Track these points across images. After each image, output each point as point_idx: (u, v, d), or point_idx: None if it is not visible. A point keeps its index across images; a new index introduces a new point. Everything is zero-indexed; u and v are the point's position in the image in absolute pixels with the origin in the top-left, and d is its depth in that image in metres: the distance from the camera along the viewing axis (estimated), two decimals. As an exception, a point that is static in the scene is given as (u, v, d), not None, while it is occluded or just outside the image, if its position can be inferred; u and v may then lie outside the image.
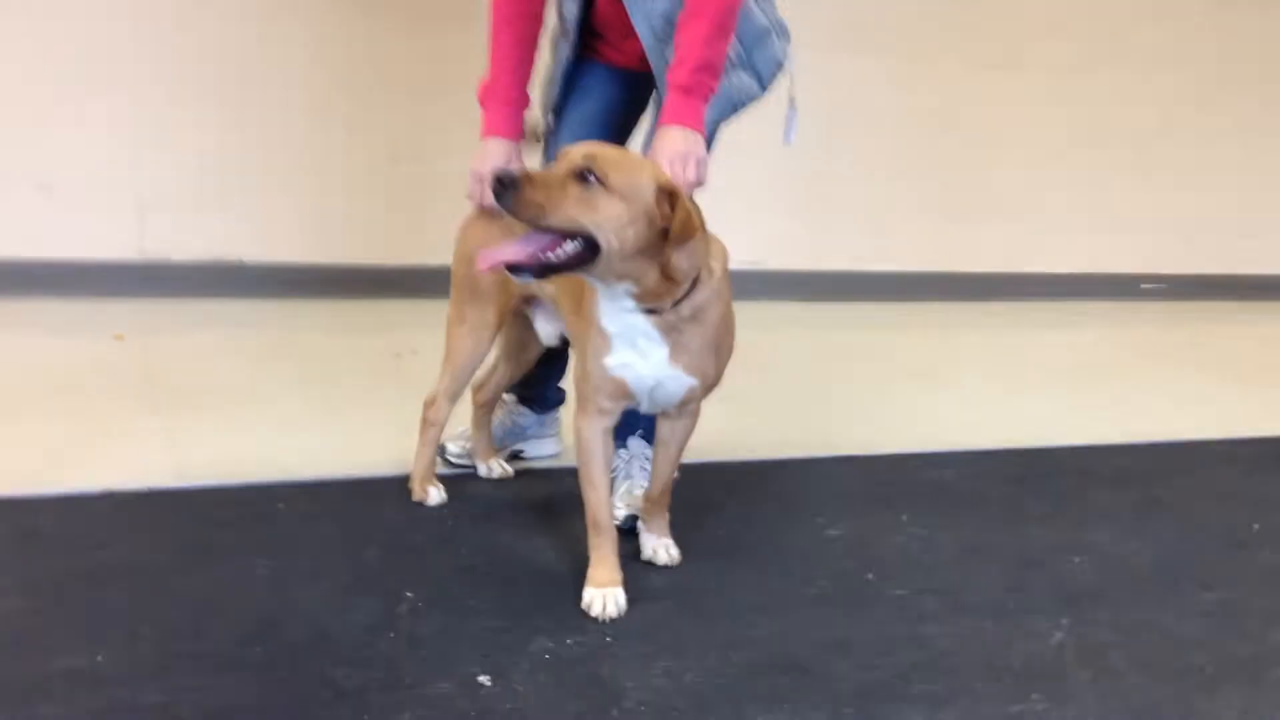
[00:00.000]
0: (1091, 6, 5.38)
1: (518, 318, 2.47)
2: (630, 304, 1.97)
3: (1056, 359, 4.39)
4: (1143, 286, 5.79)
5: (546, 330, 2.44)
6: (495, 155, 2.39)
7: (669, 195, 1.89)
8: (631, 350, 2.04)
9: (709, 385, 2.14)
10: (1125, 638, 2.08)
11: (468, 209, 2.47)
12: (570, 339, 2.32)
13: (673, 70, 2.25)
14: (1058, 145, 5.50)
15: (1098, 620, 2.14)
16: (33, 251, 4.05)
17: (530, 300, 2.41)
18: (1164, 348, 4.75)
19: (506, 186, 1.82)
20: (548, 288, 2.30)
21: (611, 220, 1.85)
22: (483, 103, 2.43)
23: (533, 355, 2.60)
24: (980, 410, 3.56)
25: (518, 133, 2.43)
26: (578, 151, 1.89)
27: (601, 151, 1.90)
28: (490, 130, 2.41)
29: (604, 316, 2.03)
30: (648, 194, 1.87)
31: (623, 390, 2.08)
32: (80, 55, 3.98)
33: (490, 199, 2.20)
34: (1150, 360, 4.50)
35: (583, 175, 1.85)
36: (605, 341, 2.05)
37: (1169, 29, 5.54)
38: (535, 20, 2.44)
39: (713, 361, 2.10)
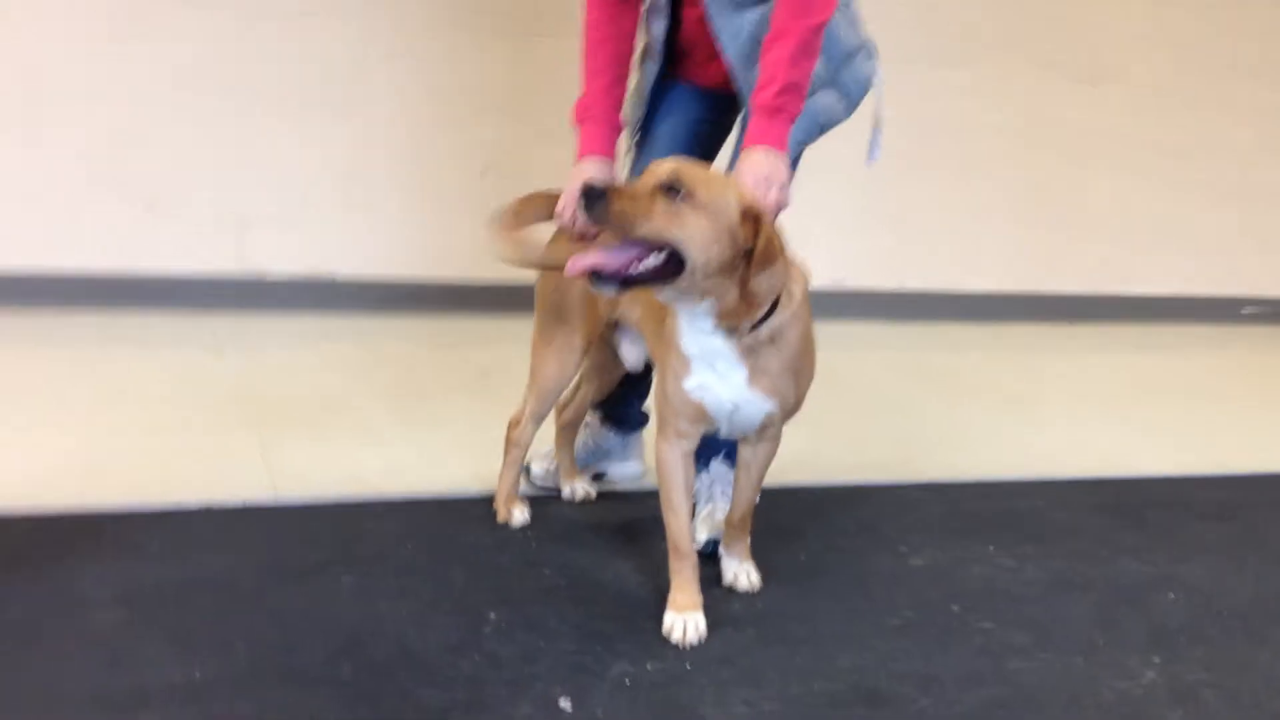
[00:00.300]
0: (1185, 19, 5.25)
1: (602, 340, 2.49)
2: (709, 324, 1.98)
3: (1151, 385, 4.28)
4: (1243, 311, 5.62)
5: (631, 355, 2.46)
6: (591, 175, 2.39)
7: (753, 217, 1.90)
8: (710, 373, 2.04)
9: (789, 410, 2.14)
10: (1219, 677, 2.03)
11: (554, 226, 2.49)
12: (653, 362, 2.33)
13: (757, 92, 2.25)
14: (1151, 162, 5.37)
15: (1191, 659, 2.09)
16: (136, 266, 4.18)
17: (615, 325, 2.43)
18: (1266, 374, 4.61)
19: (595, 198, 1.84)
20: (632, 313, 2.32)
21: (697, 235, 1.86)
22: (578, 123, 2.44)
23: (616, 377, 2.61)
24: (1070, 437, 3.49)
25: (613, 153, 2.44)
26: (665, 166, 1.91)
27: (688, 167, 1.91)
28: (587, 150, 2.42)
29: (683, 338, 2.04)
30: (732, 213, 1.89)
31: (701, 413, 2.08)
32: (181, 76, 4.10)
33: (581, 220, 2.24)
34: (1251, 387, 4.37)
35: (670, 189, 1.87)
36: (684, 364, 2.06)
37: (1266, 42, 5.38)
38: (629, 40, 2.46)
39: (792, 385, 2.10)
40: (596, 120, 2.42)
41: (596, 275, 1.89)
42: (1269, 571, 2.51)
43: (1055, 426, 3.60)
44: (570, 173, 2.42)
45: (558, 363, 2.42)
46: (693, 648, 2.01)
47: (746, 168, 2.22)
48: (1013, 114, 5.11)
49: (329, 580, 2.16)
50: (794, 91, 2.24)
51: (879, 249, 5.05)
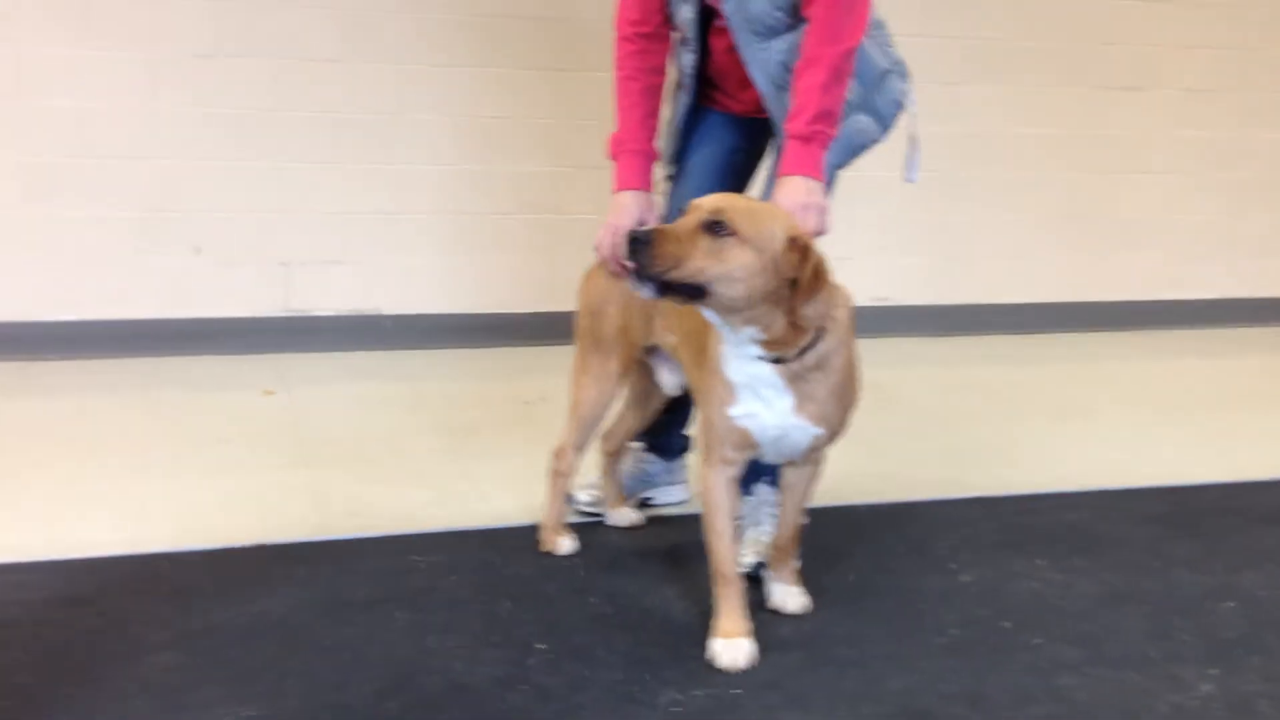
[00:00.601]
0: (1224, 23, 5.19)
1: (641, 367, 2.51)
2: (755, 351, 1.99)
3: (1202, 390, 4.22)
4: (1295, 311, 5.53)
5: (668, 380, 2.47)
6: (630, 208, 2.41)
7: (801, 247, 1.91)
8: (756, 400, 2.05)
9: (834, 434, 2.14)
10: (1278, 688, 1.99)
11: (593, 254, 2.51)
12: (691, 390, 2.34)
13: (791, 119, 2.26)
14: (1195, 166, 5.31)
15: (1248, 669, 2.06)
16: (186, 310, 4.27)
17: (652, 350, 2.45)
18: (1320, 374, 4.52)
19: (641, 243, 1.86)
20: (669, 338, 2.34)
21: (742, 268, 1.88)
22: (614, 157, 2.47)
23: (658, 404, 2.63)
24: (1122, 447, 3.45)
25: (650, 184, 2.46)
26: (708, 203, 1.93)
27: (731, 203, 1.93)
28: (624, 184, 2.44)
29: (728, 366, 2.05)
30: (778, 243, 1.90)
31: (747, 440, 2.09)
32: (222, 124, 4.20)
33: (623, 253, 2.26)
34: (1305, 388, 4.29)
35: (713, 226, 1.89)
36: (729, 392, 2.07)
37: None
38: (660, 73, 2.49)
39: (838, 411, 2.10)
40: (632, 153, 2.44)
41: (638, 274, 1.91)
42: (1328, 578, 2.47)
43: (1105, 436, 3.56)
44: (609, 205, 2.44)
45: (597, 390, 2.44)
46: (741, 673, 2.01)
47: (784, 195, 2.23)
48: (1051, 125, 5.08)
49: (380, 616, 2.18)
50: (827, 119, 2.25)
51: (921, 265, 5.04)
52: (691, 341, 2.24)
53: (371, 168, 4.37)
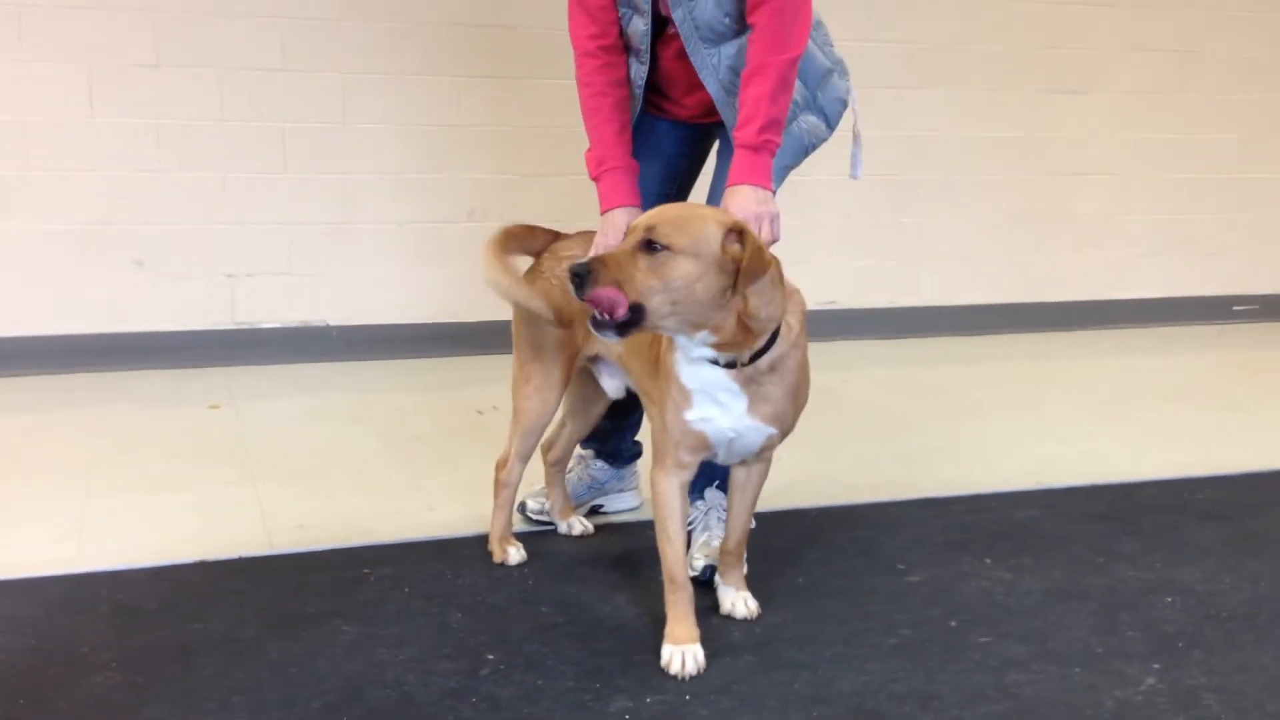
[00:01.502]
0: (1166, 25, 5.29)
1: (582, 373, 2.51)
2: (709, 354, 1.99)
3: (1146, 387, 4.29)
4: (1234, 308, 5.63)
5: (611, 384, 2.48)
6: (623, 226, 2.35)
7: (737, 234, 1.92)
8: (712, 404, 2.06)
9: (786, 432, 2.15)
10: (1221, 681, 2.03)
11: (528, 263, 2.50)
12: (641, 395, 2.34)
13: (740, 128, 2.27)
14: (1139, 168, 5.40)
15: (1191, 664, 2.09)
16: (128, 324, 4.21)
17: (595, 357, 2.44)
18: (1259, 371, 4.61)
19: (582, 276, 1.86)
20: (613, 347, 2.34)
21: (682, 279, 1.89)
22: (596, 177, 2.44)
23: (599, 410, 2.63)
24: (1067, 445, 3.50)
25: (638, 199, 2.43)
26: (642, 222, 1.93)
27: (662, 216, 1.93)
28: (613, 201, 2.40)
29: (683, 373, 2.06)
30: (715, 243, 1.91)
31: (703, 443, 2.10)
32: (164, 136, 4.15)
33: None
34: (1245, 385, 4.37)
35: (649, 245, 1.89)
36: (685, 397, 2.07)
37: (1247, 45, 5.41)
38: (625, 85, 2.47)
39: (792, 411, 2.13)
40: (616, 170, 2.42)
41: (595, 323, 1.91)
42: (1267, 571, 2.51)
43: (1052, 435, 3.60)
44: (600, 224, 2.40)
45: (539, 400, 2.44)
46: (692, 678, 2.01)
47: (735, 205, 2.24)
48: (997, 128, 5.15)
49: (328, 630, 2.16)
50: (775, 127, 2.27)
51: (871, 268, 5.08)
52: (638, 350, 2.24)
53: (318, 178, 4.34)
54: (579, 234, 2.49)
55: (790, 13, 2.26)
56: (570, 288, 1.90)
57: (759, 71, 2.25)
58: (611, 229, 2.36)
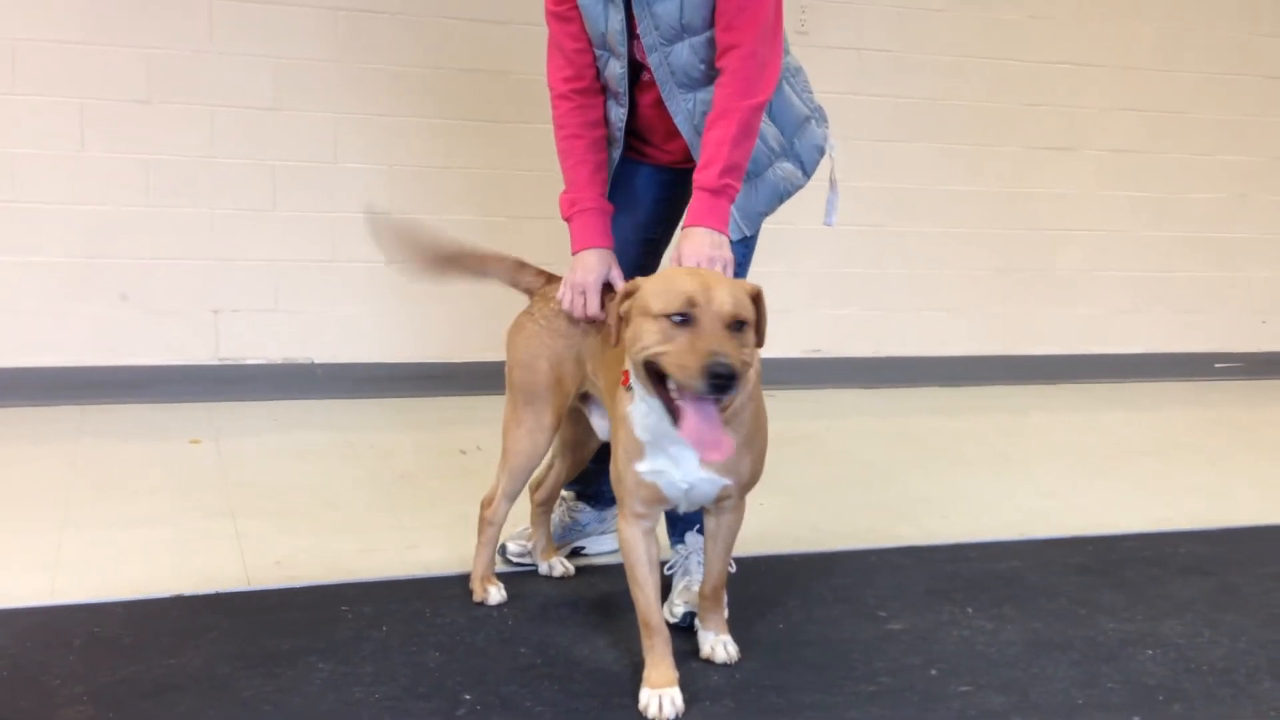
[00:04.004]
0: (1150, 86, 5.37)
1: (573, 413, 2.51)
2: (662, 410, 1.97)
3: (1128, 442, 4.31)
4: (1216, 366, 5.67)
5: (602, 425, 2.47)
6: (595, 267, 2.37)
7: (759, 299, 2.00)
8: (664, 457, 2.06)
9: (745, 484, 2.16)
10: (1200, 735, 2.02)
11: (524, 303, 2.51)
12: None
13: (700, 171, 2.28)
14: (1123, 225, 5.46)
15: (1171, 717, 2.08)
16: (112, 358, 4.20)
17: (585, 396, 2.45)
18: (1240, 428, 4.63)
19: (729, 379, 1.82)
20: (601, 384, 2.34)
21: (754, 349, 1.99)
22: (569, 218, 2.45)
23: (588, 452, 2.63)
24: (1049, 497, 3.50)
25: (610, 240, 2.43)
26: (724, 304, 1.89)
27: (731, 296, 1.91)
28: (585, 242, 2.40)
29: (637, 425, 2.06)
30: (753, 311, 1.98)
31: (656, 495, 2.10)
32: (152, 171, 4.16)
33: (594, 309, 2.30)
34: (1226, 441, 4.39)
35: (740, 326, 1.92)
36: (638, 448, 2.07)
37: (1232, 106, 5.50)
38: (600, 126, 2.49)
39: (747, 461, 2.12)
40: (588, 211, 2.43)
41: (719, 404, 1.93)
42: (1246, 626, 2.51)
43: (1034, 487, 3.61)
44: (571, 264, 2.40)
45: (529, 441, 2.43)
46: (670, 723, 2.00)
47: (690, 247, 2.24)
48: (982, 183, 5.20)
49: (303, 667, 2.14)
50: (735, 172, 2.28)
51: (854, 318, 5.10)
52: (610, 390, 2.25)
53: (306, 216, 4.35)
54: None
55: (759, 60, 2.28)
56: (705, 385, 1.82)
57: (724, 115, 2.27)
58: (582, 269, 2.37)
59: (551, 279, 2.51)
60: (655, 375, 1.92)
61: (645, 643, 2.09)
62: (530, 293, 2.51)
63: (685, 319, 1.88)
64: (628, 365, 2.04)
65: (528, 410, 2.42)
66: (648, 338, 1.91)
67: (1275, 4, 5.50)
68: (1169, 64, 5.38)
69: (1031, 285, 5.36)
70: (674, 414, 1.92)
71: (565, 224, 2.46)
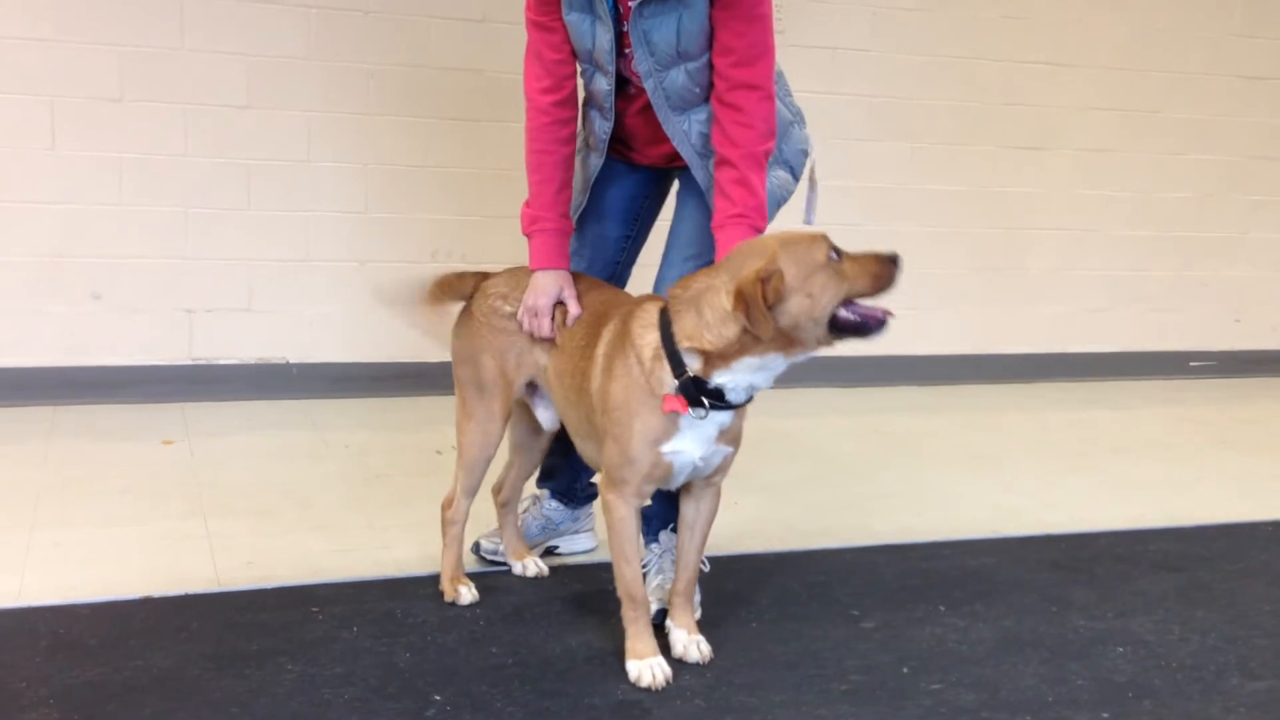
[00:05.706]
0: (1122, 86, 5.40)
1: (521, 410, 2.53)
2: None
3: (1101, 440, 4.33)
4: (1191, 364, 5.71)
5: (546, 415, 2.50)
6: (549, 289, 2.38)
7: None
8: (694, 436, 2.10)
9: (736, 452, 2.23)
10: (1168, 731, 2.03)
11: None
12: (568, 426, 2.36)
13: (726, 211, 2.31)
14: (1097, 224, 5.48)
15: (1141, 714, 2.09)
16: (84, 358, 4.16)
17: (533, 387, 2.47)
18: (1213, 426, 4.66)
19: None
20: (549, 372, 2.36)
21: None
22: (529, 234, 2.45)
23: (543, 445, 2.64)
24: (1022, 495, 3.52)
25: (567, 261, 2.44)
26: (823, 240, 2.09)
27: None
28: (541, 263, 2.41)
29: (687, 417, 2.08)
30: None
31: (669, 473, 2.15)
32: (125, 170, 4.13)
33: (544, 330, 2.31)
34: (1198, 439, 4.42)
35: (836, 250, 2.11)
36: (666, 428, 2.09)
37: (1204, 106, 5.54)
38: (572, 141, 2.49)
39: (741, 427, 2.20)
40: (547, 232, 2.44)
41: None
42: (1216, 623, 2.52)
43: (1009, 484, 3.63)
44: (528, 285, 2.41)
45: (482, 434, 2.45)
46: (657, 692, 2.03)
47: (729, 238, 2.29)
48: (957, 182, 5.22)
49: (272, 668, 2.12)
50: (760, 211, 2.33)
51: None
52: (568, 376, 2.28)
53: (280, 215, 4.33)
54: (506, 272, 2.51)
55: (772, 100, 2.34)
56: (891, 274, 2.23)
57: (750, 161, 2.31)
58: (534, 292, 2.38)
59: (487, 275, 2.52)
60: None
61: (629, 615, 2.15)
62: (468, 298, 2.52)
63: (838, 252, 2.07)
64: (668, 389, 2.07)
65: (478, 403, 2.44)
66: (829, 286, 2.06)
67: (1247, 4, 5.54)
68: (1142, 63, 5.41)
69: (1006, 284, 5.38)
70: (865, 326, 2.23)
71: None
